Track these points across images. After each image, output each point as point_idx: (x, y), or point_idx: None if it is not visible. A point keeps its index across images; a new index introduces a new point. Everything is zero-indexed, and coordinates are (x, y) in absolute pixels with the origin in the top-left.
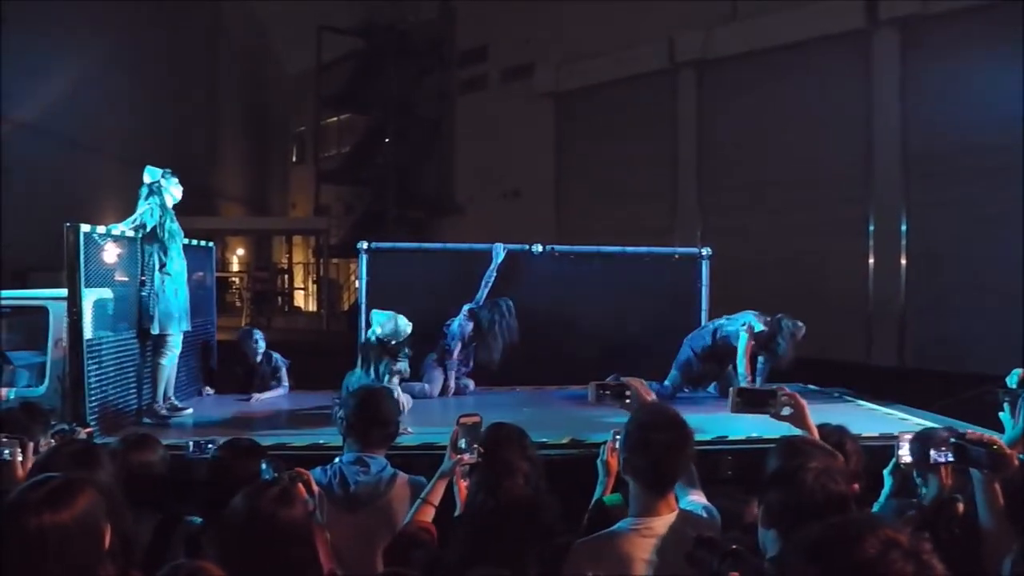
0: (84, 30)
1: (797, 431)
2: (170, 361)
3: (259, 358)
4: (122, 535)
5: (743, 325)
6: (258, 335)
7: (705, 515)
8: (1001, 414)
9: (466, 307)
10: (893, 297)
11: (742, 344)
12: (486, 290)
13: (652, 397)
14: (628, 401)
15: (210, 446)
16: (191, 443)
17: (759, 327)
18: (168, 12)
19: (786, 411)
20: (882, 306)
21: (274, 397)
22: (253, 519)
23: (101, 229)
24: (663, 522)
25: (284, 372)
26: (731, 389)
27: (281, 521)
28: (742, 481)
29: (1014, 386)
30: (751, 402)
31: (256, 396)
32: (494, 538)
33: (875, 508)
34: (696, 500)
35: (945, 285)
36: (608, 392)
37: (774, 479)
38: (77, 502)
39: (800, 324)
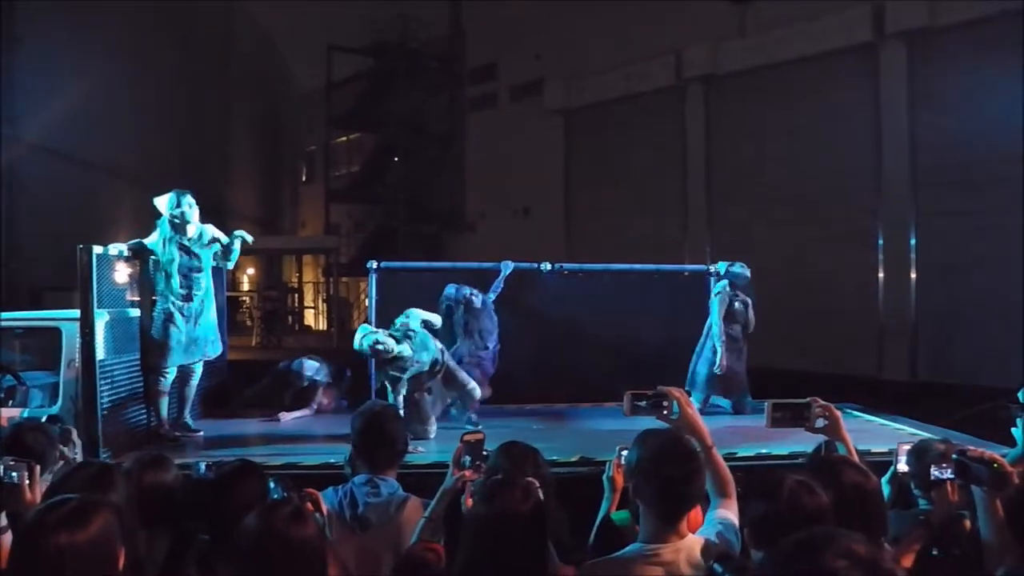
0: (97, 52)
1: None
2: (165, 387)
3: (304, 384)
4: (133, 555)
5: (715, 295)
6: (309, 368)
7: (718, 541)
8: (1014, 430)
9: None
10: (903, 311)
11: (715, 308)
12: (495, 293)
13: (693, 409)
14: (666, 412)
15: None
16: (203, 465)
17: (720, 286)
18: (180, 33)
19: (820, 423)
20: (892, 320)
21: (300, 417)
22: (266, 537)
23: (114, 250)
24: (671, 549)
25: (319, 392)
26: (767, 404)
27: (293, 539)
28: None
29: None
30: (787, 416)
31: (283, 416)
32: (491, 544)
33: None
34: (720, 517)
35: (956, 298)
36: (645, 403)
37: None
38: (93, 523)
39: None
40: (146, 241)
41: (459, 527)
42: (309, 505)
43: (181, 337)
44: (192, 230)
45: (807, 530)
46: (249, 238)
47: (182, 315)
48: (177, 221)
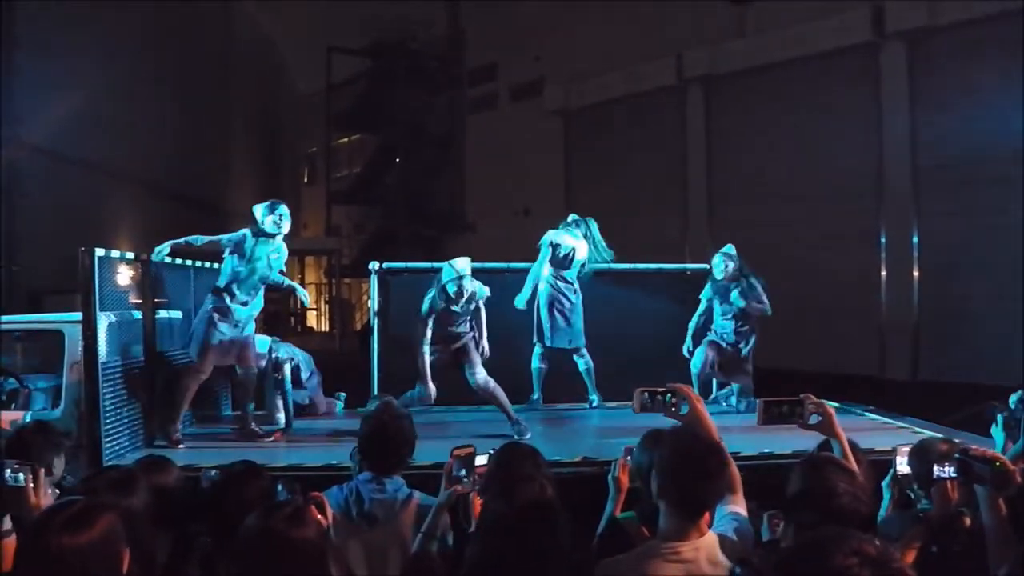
0: (97, 54)
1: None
2: (196, 382)
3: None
4: (143, 560)
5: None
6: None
7: (736, 538)
8: (993, 427)
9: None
10: (905, 310)
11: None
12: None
13: (702, 405)
14: (674, 409)
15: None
16: (211, 472)
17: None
18: (181, 36)
19: (814, 419)
20: (894, 319)
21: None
22: (265, 537)
23: (164, 247)
24: (691, 547)
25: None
26: (758, 402)
27: (293, 540)
28: (754, 497)
29: (1014, 406)
30: (779, 413)
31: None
32: (510, 541)
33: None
34: (732, 513)
35: (957, 297)
36: (655, 400)
37: (807, 499)
38: (96, 526)
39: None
40: (225, 237)
41: (463, 536)
42: (314, 509)
43: (224, 338)
44: (279, 240)
45: (817, 531)
46: (306, 299)
47: (230, 317)
48: (269, 229)
